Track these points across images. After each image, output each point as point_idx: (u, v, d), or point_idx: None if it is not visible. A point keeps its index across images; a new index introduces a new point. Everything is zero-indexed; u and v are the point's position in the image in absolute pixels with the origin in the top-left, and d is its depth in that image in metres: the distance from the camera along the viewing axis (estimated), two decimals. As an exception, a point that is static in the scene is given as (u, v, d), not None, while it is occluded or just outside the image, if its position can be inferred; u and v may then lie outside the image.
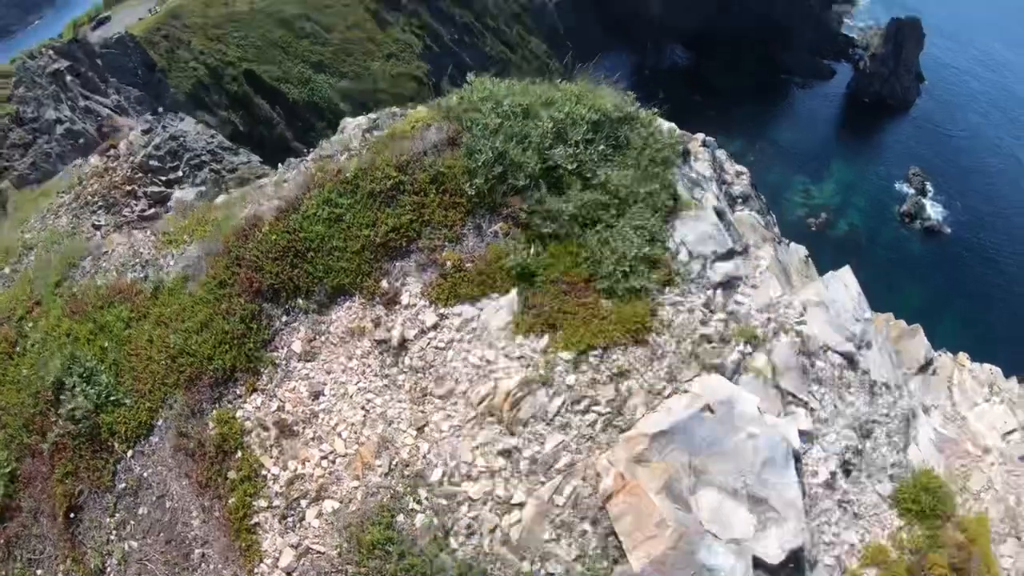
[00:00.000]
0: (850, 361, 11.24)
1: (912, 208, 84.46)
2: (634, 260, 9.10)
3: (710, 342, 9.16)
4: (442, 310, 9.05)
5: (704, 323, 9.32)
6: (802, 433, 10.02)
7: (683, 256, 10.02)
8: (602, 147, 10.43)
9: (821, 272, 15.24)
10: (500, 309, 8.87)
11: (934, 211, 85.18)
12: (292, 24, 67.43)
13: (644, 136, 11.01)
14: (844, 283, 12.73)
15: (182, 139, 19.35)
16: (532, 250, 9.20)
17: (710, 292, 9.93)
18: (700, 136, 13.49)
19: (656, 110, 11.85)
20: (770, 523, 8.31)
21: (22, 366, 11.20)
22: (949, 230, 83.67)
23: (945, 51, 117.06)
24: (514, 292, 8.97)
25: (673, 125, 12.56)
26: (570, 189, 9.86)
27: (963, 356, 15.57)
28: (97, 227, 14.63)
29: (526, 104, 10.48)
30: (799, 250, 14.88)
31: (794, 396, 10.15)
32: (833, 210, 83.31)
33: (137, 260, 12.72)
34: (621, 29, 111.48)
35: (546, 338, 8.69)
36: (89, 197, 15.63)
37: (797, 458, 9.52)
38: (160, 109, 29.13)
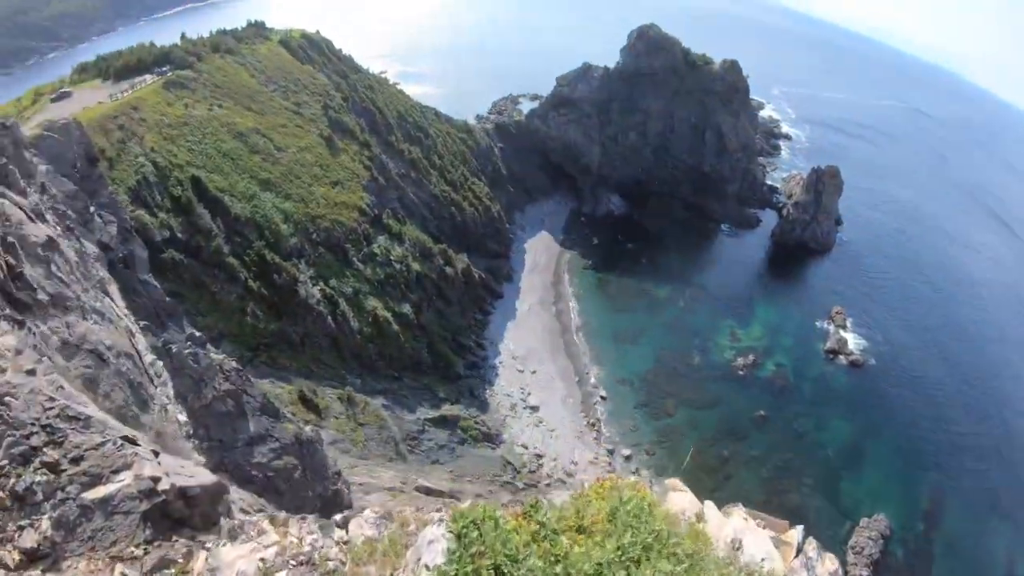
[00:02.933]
0: None
1: (836, 344, 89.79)
2: None
3: None
4: None
5: None
6: None
7: None
8: None
9: None
10: None
11: (856, 345, 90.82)
12: (246, 137, 66.73)
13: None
14: None
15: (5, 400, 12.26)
16: None
17: None
18: (793, 535, 13.33)
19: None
20: None
21: None
22: (873, 361, 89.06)
23: (861, 196, 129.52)
24: None
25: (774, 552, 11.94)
26: None
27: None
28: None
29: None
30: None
31: None
32: (760, 351, 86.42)
33: None
34: (562, 176, 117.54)
35: None
36: None
37: None
38: (92, 209, 24.71)
